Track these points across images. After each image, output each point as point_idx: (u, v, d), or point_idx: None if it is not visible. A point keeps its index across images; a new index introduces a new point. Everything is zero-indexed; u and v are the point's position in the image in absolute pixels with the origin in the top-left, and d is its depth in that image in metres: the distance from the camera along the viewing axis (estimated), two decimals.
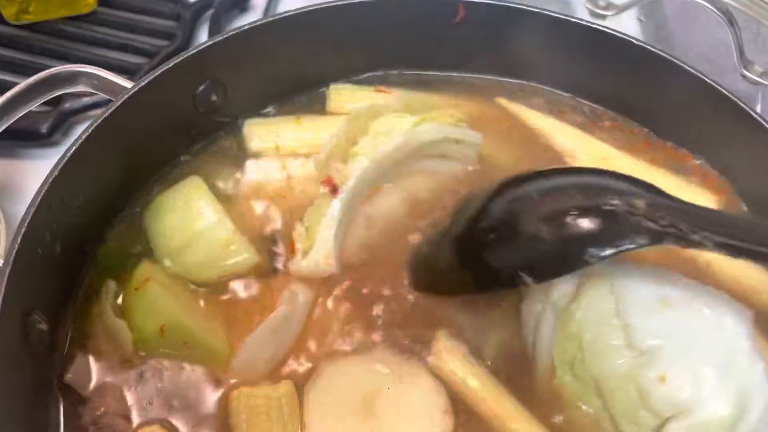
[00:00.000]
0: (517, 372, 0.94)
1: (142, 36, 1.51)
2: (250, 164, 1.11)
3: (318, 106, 1.21)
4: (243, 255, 1.00)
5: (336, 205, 1.00)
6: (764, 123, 1.04)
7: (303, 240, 1.00)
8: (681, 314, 0.86)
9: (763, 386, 0.84)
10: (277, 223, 1.06)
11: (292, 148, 1.13)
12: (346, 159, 1.04)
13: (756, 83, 1.42)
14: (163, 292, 0.94)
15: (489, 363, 0.94)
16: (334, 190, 1.01)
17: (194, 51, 1.05)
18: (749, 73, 1.42)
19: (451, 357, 0.93)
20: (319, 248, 0.99)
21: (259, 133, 1.15)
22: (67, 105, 1.30)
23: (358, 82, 1.23)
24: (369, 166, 1.03)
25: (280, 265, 1.01)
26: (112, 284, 0.96)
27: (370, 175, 1.04)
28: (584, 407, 0.89)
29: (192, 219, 1.01)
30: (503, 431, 0.89)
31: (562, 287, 0.93)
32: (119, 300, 0.95)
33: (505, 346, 0.96)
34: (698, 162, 1.17)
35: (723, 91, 1.09)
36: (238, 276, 0.99)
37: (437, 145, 1.09)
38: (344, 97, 1.21)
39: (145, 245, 1.01)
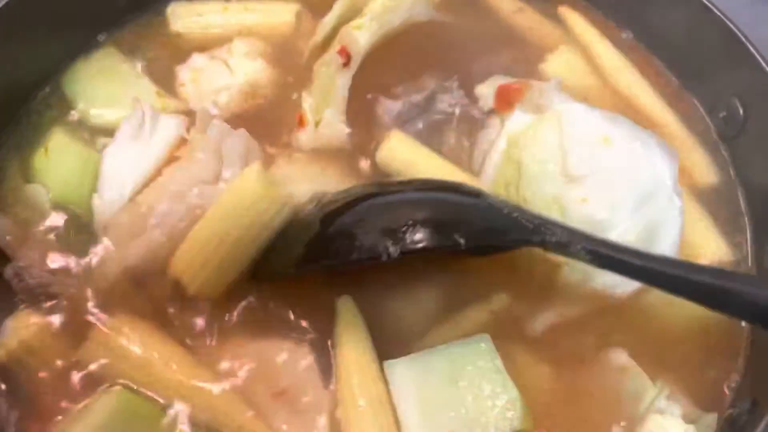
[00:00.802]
0: None
1: None
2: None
3: None
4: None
5: (347, 75, 1.00)
6: None
7: (313, 111, 1.02)
8: (617, 150, 0.91)
9: (675, 224, 0.90)
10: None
11: (218, 31, 1.13)
12: (357, 27, 1.02)
13: None
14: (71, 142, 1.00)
15: None
16: (347, 61, 0.99)
17: None
18: None
19: None
20: (331, 118, 1.01)
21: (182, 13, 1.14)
22: None
23: None
24: (377, 39, 1.01)
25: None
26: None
27: (375, 45, 1.03)
28: None
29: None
30: None
31: (517, 119, 0.99)
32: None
33: None
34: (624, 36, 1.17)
35: None
36: None
37: None
38: None
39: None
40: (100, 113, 1.04)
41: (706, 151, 1.04)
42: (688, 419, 0.82)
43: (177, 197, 0.90)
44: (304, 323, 0.88)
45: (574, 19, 1.17)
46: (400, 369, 0.84)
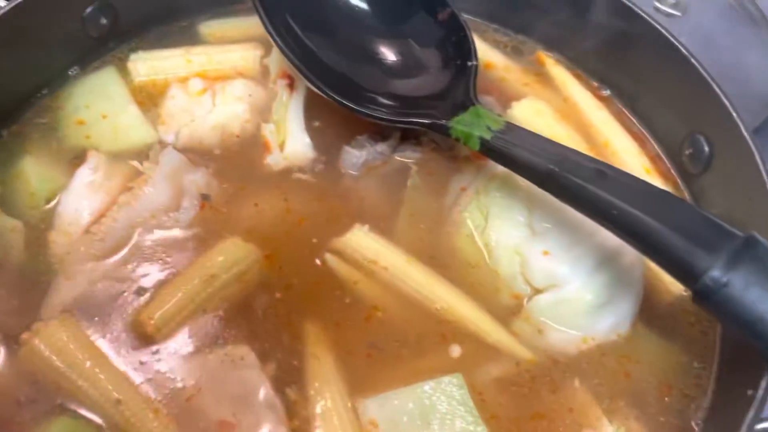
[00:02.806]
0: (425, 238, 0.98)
1: None
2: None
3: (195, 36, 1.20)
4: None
5: (298, 97, 1.07)
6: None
7: (275, 135, 1.05)
8: None
9: (636, 289, 0.90)
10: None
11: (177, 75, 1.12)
12: None
13: (668, 15, 1.45)
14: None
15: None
16: (291, 82, 1.08)
17: None
18: (661, 5, 1.45)
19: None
20: (294, 138, 1.04)
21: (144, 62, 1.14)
22: None
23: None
24: None
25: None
26: None
27: None
28: (471, 268, 0.95)
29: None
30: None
31: (490, 170, 1.00)
32: None
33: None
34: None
35: None
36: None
37: None
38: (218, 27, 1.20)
39: None
40: (77, 139, 1.04)
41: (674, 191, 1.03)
42: None
43: (132, 226, 0.93)
44: (266, 351, 0.87)
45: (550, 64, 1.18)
46: (373, 407, 0.83)
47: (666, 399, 0.86)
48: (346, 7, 1.11)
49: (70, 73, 1.11)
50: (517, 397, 0.86)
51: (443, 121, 0.96)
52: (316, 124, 1.07)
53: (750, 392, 0.73)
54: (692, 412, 0.85)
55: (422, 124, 0.98)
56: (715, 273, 0.68)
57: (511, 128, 0.91)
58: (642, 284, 0.91)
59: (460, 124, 0.94)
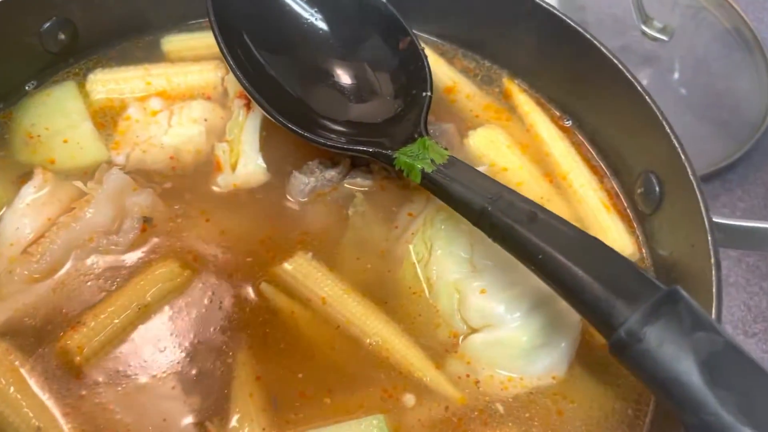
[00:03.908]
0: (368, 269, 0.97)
1: None
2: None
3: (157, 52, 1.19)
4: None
5: (255, 117, 1.06)
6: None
7: (228, 155, 1.04)
8: None
9: (573, 333, 0.88)
10: None
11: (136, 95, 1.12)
12: None
13: (654, 39, 1.44)
14: None
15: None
16: (248, 102, 1.06)
17: None
18: (648, 29, 1.42)
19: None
20: (247, 159, 1.03)
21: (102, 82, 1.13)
22: None
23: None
24: None
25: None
26: None
27: None
28: (412, 301, 0.94)
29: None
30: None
31: (438, 201, 0.98)
32: None
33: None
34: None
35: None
36: None
37: None
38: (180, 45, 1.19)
39: None
40: (27, 155, 1.04)
41: (626, 231, 1.01)
42: None
43: (70, 248, 0.92)
44: (194, 381, 0.85)
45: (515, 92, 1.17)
46: None
47: None
48: (305, 28, 1.09)
49: (27, 87, 1.11)
50: None
51: (389, 152, 0.95)
52: (270, 145, 1.06)
53: None
54: None
55: (367, 152, 0.97)
56: (632, 326, 0.66)
57: (453, 162, 0.90)
58: (579, 328, 0.89)
59: (405, 155, 0.93)
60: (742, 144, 1.47)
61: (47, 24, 1.08)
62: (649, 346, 0.64)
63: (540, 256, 0.74)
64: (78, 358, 0.84)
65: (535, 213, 0.78)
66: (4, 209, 0.97)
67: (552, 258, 0.74)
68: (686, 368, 0.63)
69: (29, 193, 0.97)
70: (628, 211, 1.04)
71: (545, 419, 0.85)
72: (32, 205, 0.96)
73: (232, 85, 1.11)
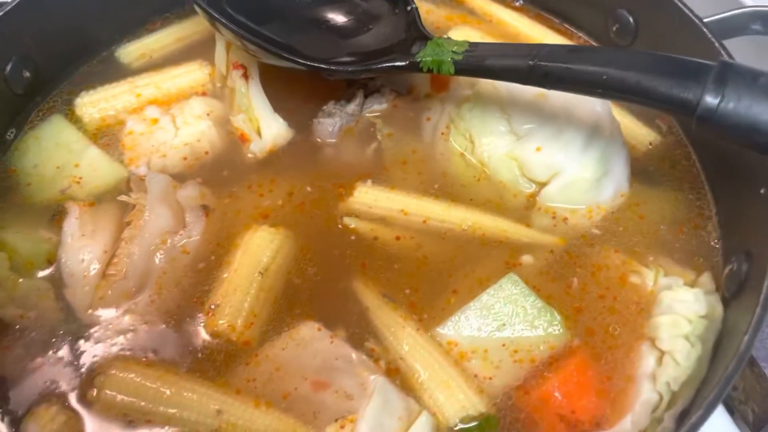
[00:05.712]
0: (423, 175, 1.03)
1: None
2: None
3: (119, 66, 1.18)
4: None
5: (255, 83, 1.07)
6: None
7: (248, 124, 1.06)
8: (553, 100, 0.99)
9: (621, 153, 0.99)
10: None
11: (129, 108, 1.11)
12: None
13: None
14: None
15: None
16: (245, 71, 1.08)
17: None
18: None
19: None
20: (267, 122, 1.05)
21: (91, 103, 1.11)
22: None
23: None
24: None
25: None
26: None
27: None
28: (476, 186, 1.01)
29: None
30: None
31: (456, 95, 1.06)
32: None
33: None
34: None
35: None
36: None
37: None
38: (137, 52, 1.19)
39: None
40: (47, 194, 1.00)
41: None
42: (690, 286, 0.90)
43: (149, 254, 0.92)
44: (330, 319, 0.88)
45: None
46: (448, 331, 0.87)
47: (682, 235, 0.96)
48: None
49: (8, 137, 1.06)
50: (563, 276, 0.93)
51: (408, 61, 1.00)
52: (278, 106, 1.07)
53: (762, 191, 0.84)
54: (707, 236, 0.96)
55: (398, 67, 1.01)
56: (709, 97, 0.77)
57: (476, 45, 0.97)
58: (626, 148, 1.00)
59: (426, 57, 0.99)
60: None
61: (9, 65, 1.04)
62: (731, 102, 0.75)
63: (604, 77, 0.83)
64: (233, 335, 0.86)
65: (576, 48, 0.87)
66: (59, 252, 0.93)
67: (614, 76, 0.83)
68: (765, 108, 0.75)
69: (74, 225, 0.94)
70: None
71: (634, 225, 0.97)
72: (82, 235, 0.94)
73: (221, 60, 1.11)
